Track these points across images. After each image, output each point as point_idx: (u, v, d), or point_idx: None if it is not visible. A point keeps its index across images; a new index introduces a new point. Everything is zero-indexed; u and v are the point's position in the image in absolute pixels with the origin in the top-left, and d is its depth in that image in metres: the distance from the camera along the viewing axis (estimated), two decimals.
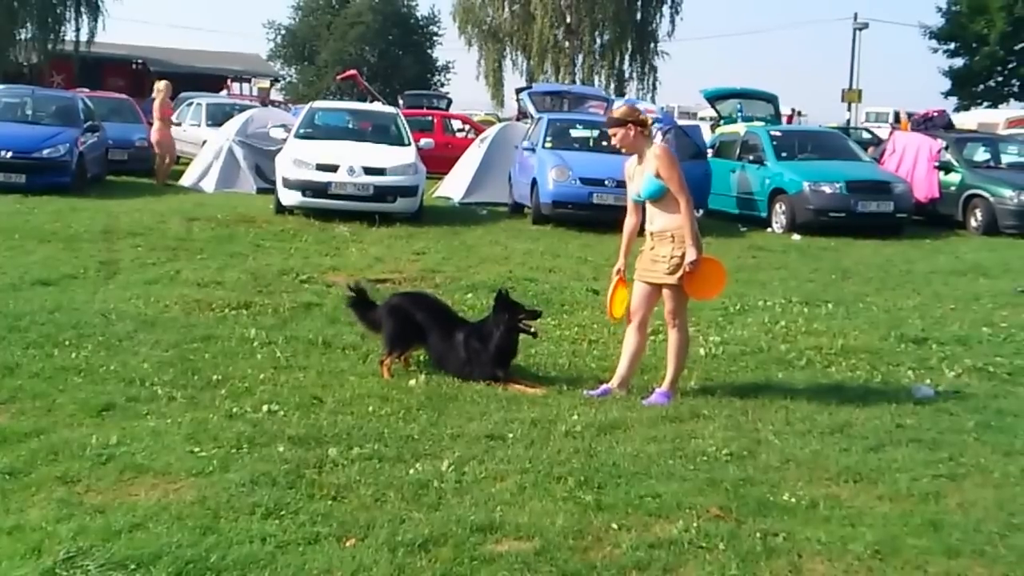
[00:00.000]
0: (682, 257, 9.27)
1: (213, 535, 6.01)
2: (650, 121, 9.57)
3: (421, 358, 10.45)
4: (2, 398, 8.46)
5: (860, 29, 69.06)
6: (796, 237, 22.69)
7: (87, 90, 37.93)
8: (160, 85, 28.59)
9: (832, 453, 8.01)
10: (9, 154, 23.37)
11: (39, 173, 23.38)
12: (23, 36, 64.35)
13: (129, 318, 11.46)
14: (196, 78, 67.32)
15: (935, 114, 31.61)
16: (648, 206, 9.55)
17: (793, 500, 6.95)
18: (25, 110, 27.06)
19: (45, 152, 23.77)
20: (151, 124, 35.43)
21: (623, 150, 9.66)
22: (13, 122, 25.83)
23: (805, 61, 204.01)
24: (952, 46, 67.04)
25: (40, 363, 9.46)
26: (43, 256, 15.18)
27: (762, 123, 29.65)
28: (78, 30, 65.21)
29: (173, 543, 5.84)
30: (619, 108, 9.93)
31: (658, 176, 9.29)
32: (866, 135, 43.03)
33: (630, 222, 9.84)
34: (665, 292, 9.49)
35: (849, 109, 65.56)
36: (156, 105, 28.13)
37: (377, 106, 30.97)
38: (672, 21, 72.10)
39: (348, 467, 7.26)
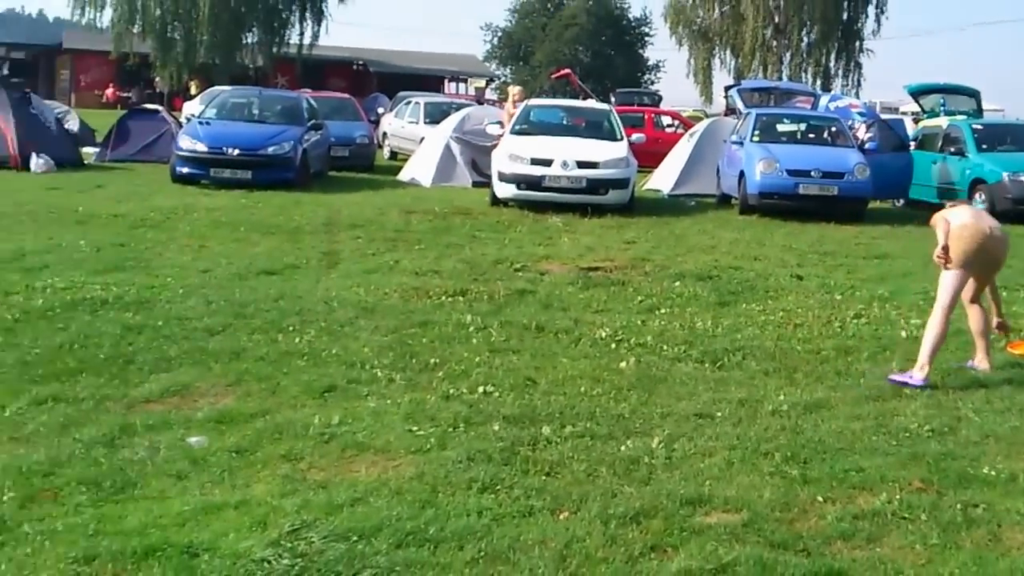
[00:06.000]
0: (944, 248, 9.30)
1: (431, 509, 6.11)
2: None
3: (631, 339, 10.50)
4: (230, 381, 8.65)
5: None
6: None
7: (310, 90, 38.67)
8: (514, 91, 28.56)
9: None
10: (236, 151, 23.90)
11: (264, 169, 23.90)
12: (249, 40, 66.07)
13: (350, 305, 11.62)
14: (415, 78, 68.46)
15: None
16: None
17: (993, 473, 6.91)
18: (252, 110, 27.75)
19: (270, 149, 24.27)
20: (372, 122, 36.17)
21: None
22: (241, 121, 26.57)
23: (1008, 57, 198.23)
24: None
25: (265, 348, 9.65)
26: (268, 247, 15.47)
27: (964, 117, 29.10)
28: (302, 34, 67.13)
29: (393, 516, 5.95)
30: None
31: None
32: None
33: None
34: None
35: None
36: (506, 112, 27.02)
37: (590, 103, 30.96)
38: (877, 20, 71.63)
39: (561, 444, 7.33)
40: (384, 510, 6.05)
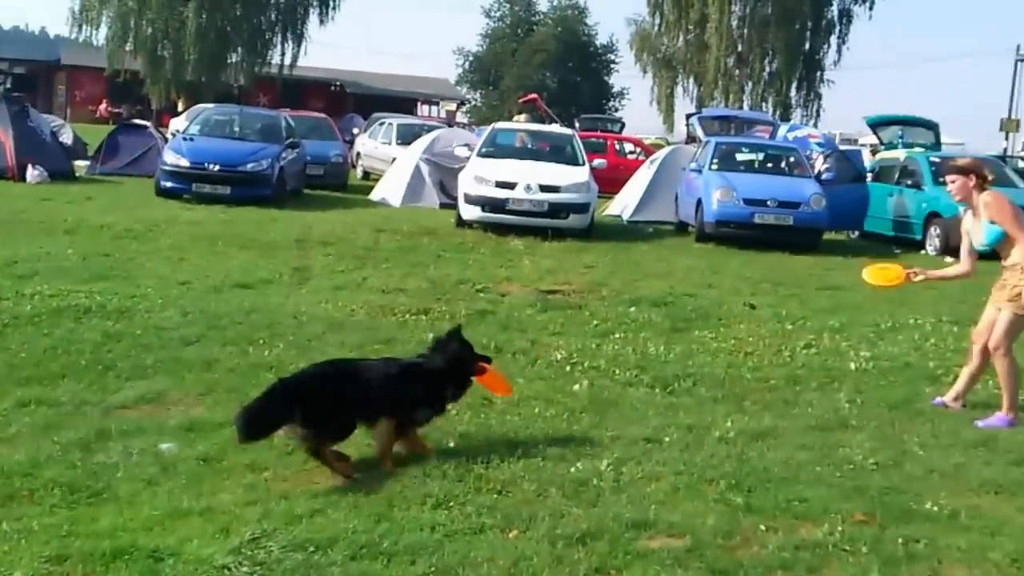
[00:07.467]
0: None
1: (386, 522, 6.09)
2: (991, 177, 9.44)
3: (585, 363, 10.48)
4: (201, 390, 8.66)
5: (1022, 61, 67.11)
6: (949, 260, 22.05)
7: (289, 110, 38.58)
8: (520, 117, 28.48)
9: (975, 466, 7.83)
10: (216, 167, 23.93)
11: (243, 185, 23.90)
12: (234, 60, 65.96)
13: (319, 320, 11.62)
14: (389, 100, 68.56)
15: None
16: (1000, 250, 9.42)
17: (935, 509, 6.81)
18: (233, 127, 27.81)
19: (249, 166, 24.29)
20: (348, 142, 36.17)
21: (956, 198, 9.59)
22: (222, 138, 26.57)
23: (965, 91, 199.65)
24: None
25: (236, 359, 9.64)
26: (242, 262, 15.46)
27: (922, 149, 29.11)
28: (283, 54, 66.93)
29: (350, 528, 5.94)
30: (965, 160, 9.75)
31: (993, 222, 9.19)
32: (1022, 164, 42.00)
33: (961, 268, 9.89)
34: (999, 316, 9.34)
35: (1007, 139, 63.93)
36: None
37: (555, 128, 31.05)
38: (839, 51, 71.58)
39: (513, 464, 7.25)
40: (341, 522, 6.04)
